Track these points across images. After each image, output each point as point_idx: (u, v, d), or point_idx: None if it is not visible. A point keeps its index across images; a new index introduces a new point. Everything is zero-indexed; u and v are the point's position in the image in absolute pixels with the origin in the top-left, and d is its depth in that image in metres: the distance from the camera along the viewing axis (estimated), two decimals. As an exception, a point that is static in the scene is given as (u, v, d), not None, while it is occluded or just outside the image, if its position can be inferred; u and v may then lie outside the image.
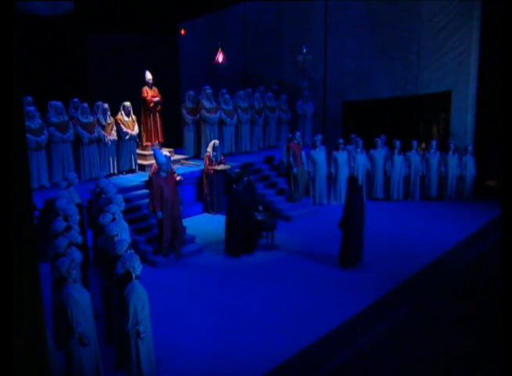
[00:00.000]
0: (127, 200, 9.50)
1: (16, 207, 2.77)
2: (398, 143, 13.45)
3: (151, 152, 11.94)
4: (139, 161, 12.23)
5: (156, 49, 18.62)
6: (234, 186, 10.15)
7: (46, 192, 9.98)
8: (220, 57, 15.44)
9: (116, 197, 7.94)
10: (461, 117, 14.11)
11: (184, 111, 13.37)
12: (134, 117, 11.97)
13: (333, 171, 13.28)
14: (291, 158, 12.42)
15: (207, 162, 12.15)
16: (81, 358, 5.41)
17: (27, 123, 9.70)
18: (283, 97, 15.16)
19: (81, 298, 5.43)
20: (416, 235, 10.92)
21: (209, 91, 13.29)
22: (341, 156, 13.27)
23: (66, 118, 10.89)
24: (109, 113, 11.55)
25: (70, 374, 5.45)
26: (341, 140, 13.45)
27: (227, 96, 13.66)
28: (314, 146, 13.27)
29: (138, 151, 12.33)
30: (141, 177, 11.62)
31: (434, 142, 13.67)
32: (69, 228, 6.93)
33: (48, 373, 3.23)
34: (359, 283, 8.65)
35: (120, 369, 6.09)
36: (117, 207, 7.65)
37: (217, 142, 12.34)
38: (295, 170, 12.38)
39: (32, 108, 10.41)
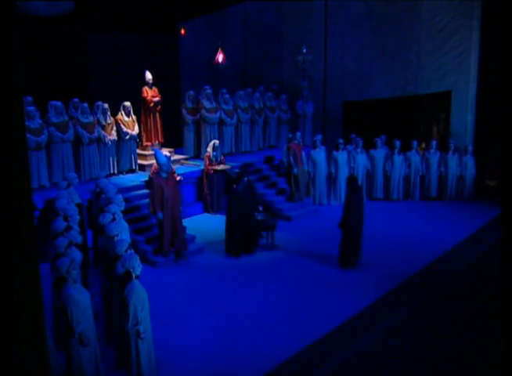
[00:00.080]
0: (127, 200, 9.50)
1: (16, 207, 2.77)
2: (398, 143, 13.45)
3: (151, 152, 11.97)
4: (139, 161, 12.24)
5: (156, 49, 18.63)
6: (234, 186, 10.15)
7: (46, 192, 9.98)
8: (220, 57, 15.43)
9: (116, 197, 7.95)
10: (461, 117, 14.11)
11: (184, 111, 13.37)
12: (134, 117, 11.98)
13: (333, 171, 13.27)
14: (291, 158, 12.43)
15: (207, 162, 12.15)
16: (81, 358, 5.41)
17: (27, 123, 9.70)
18: (282, 97, 15.16)
19: (81, 298, 5.43)
20: (416, 235, 10.91)
21: (209, 91, 13.29)
22: (341, 156, 13.27)
23: (66, 118, 10.89)
24: (109, 113, 11.55)
25: (70, 374, 5.45)
26: (341, 140, 13.45)
27: (227, 96, 13.67)
28: (314, 146, 13.26)
29: (139, 151, 12.33)
30: (141, 177, 11.63)
31: (434, 142, 13.66)
32: (69, 228, 6.93)
33: (48, 373, 3.22)
34: (359, 283, 8.65)
35: (120, 369, 6.09)
36: (117, 207, 7.66)
37: (217, 142, 12.34)
38: (295, 170, 12.38)
39: (32, 108, 10.41)
